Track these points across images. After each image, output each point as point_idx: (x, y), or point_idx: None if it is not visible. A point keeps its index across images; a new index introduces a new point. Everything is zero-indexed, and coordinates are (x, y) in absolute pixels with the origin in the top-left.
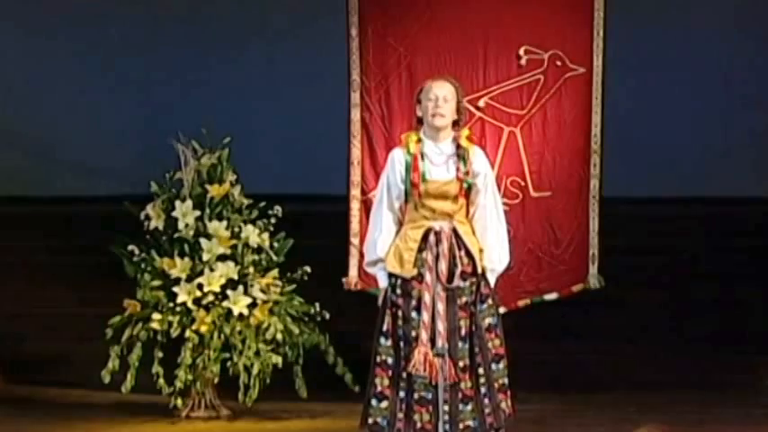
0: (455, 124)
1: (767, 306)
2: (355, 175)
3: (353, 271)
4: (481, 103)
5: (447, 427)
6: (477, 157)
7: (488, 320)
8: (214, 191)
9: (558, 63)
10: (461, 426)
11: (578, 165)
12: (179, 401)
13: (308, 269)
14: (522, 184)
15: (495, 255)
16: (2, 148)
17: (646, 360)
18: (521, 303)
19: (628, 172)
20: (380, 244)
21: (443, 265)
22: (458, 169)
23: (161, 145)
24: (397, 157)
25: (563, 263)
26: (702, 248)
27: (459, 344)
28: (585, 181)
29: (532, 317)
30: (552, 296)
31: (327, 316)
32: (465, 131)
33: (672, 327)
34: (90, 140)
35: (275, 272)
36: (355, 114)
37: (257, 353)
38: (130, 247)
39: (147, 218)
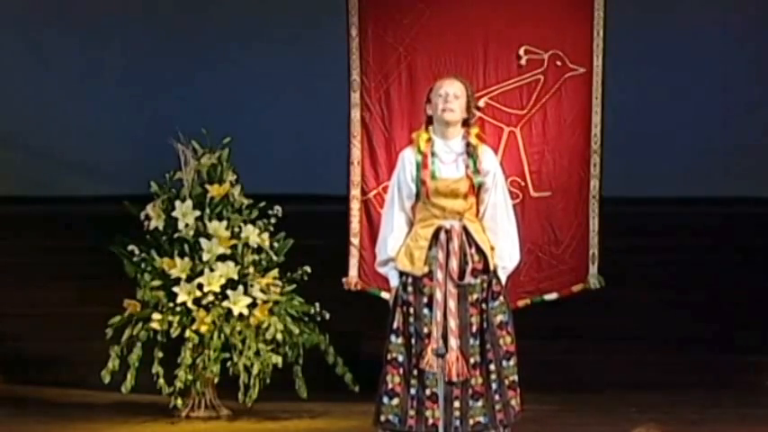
0: (465, 123)
1: (767, 306)
2: (355, 175)
3: (353, 271)
4: (481, 103)
5: (458, 423)
6: (487, 156)
7: (500, 317)
8: (214, 191)
9: (558, 63)
10: (472, 422)
11: (578, 165)
12: (179, 401)
13: (308, 269)
14: (522, 184)
15: (506, 253)
16: (2, 148)
17: (645, 360)
18: (521, 303)
19: (628, 172)
20: (391, 243)
21: (454, 263)
22: (467, 167)
23: (161, 145)
24: (408, 157)
25: (563, 263)
26: (702, 248)
27: (471, 340)
28: (585, 181)
29: (532, 317)
30: (552, 296)
31: (327, 316)
32: (474, 129)
33: (672, 327)
34: (90, 140)
35: (275, 272)
36: (355, 114)
37: (257, 353)
38: (130, 247)
39: (147, 218)
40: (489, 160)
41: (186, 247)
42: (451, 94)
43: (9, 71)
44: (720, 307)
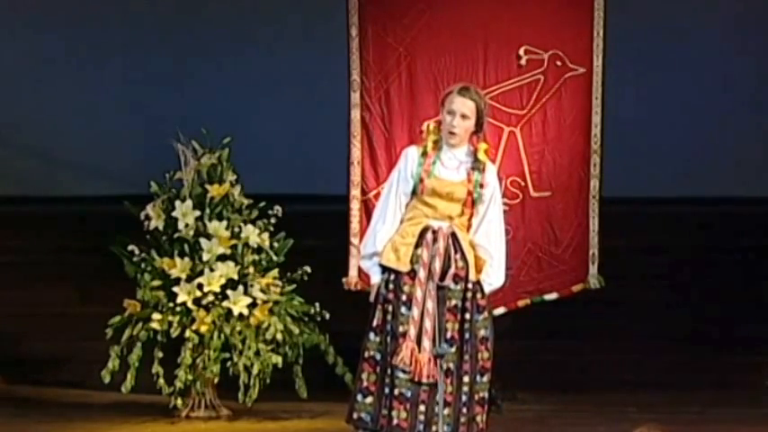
0: (474, 133)
1: (767, 306)
2: (355, 175)
3: (353, 271)
4: None
5: (421, 427)
6: (489, 172)
7: (482, 332)
8: (214, 191)
9: (558, 63)
10: (435, 428)
11: (578, 165)
12: (179, 401)
13: (308, 269)
14: (522, 184)
15: (494, 271)
16: (2, 149)
17: (646, 360)
18: (521, 303)
19: (628, 172)
20: (380, 237)
21: (437, 264)
22: (469, 176)
23: (161, 145)
24: (411, 154)
25: (563, 263)
26: (702, 248)
27: (445, 346)
28: (585, 181)
29: (532, 317)
30: (552, 296)
31: (327, 316)
32: (483, 145)
33: (672, 327)
34: (90, 141)
35: (275, 272)
36: (355, 114)
37: (257, 353)
38: (130, 247)
39: (147, 218)
40: (491, 176)
41: (186, 247)
42: (459, 115)
43: (9, 71)
44: (720, 307)
